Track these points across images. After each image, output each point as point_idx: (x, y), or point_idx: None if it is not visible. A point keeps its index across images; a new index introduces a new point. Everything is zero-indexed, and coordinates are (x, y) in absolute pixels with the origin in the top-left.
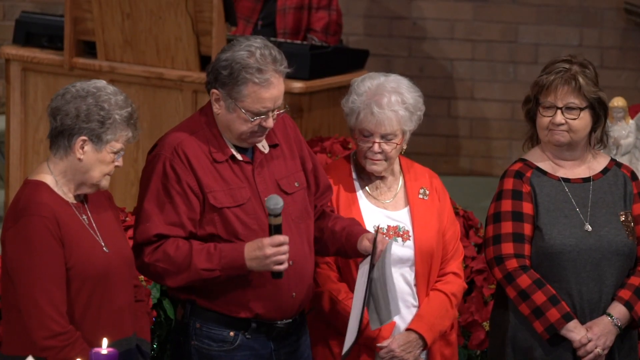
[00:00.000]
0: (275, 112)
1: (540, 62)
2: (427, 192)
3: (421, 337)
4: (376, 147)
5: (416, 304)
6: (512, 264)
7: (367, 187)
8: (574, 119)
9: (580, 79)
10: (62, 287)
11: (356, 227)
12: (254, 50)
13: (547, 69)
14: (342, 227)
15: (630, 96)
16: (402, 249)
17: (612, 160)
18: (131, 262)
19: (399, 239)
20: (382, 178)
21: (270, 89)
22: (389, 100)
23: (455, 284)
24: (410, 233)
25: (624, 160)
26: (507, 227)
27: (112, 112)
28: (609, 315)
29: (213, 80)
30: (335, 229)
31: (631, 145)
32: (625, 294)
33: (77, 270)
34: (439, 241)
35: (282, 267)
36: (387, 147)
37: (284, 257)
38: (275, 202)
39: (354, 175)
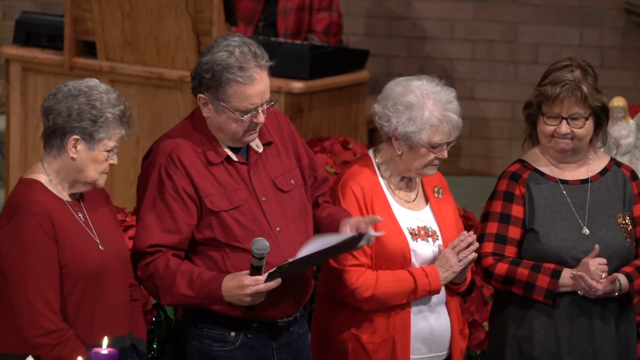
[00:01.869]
0: (265, 107)
1: (540, 62)
2: (441, 190)
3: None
4: (445, 154)
5: (444, 301)
6: (488, 261)
7: (392, 188)
8: (579, 127)
9: (585, 89)
10: (56, 285)
11: (341, 213)
12: (233, 49)
13: (550, 78)
14: (329, 213)
15: (630, 96)
16: (433, 249)
17: (612, 160)
18: (127, 260)
19: (430, 240)
20: (403, 178)
21: (255, 84)
22: (455, 103)
23: None
24: (438, 233)
25: (624, 160)
26: (492, 227)
27: (104, 111)
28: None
29: (198, 85)
30: (321, 216)
31: (631, 145)
32: (627, 268)
33: (71, 267)
34: None
35: (257, 301)
36: (446, 153)
37: (262, 297)
38: (260, 246)
39: (379, 176)
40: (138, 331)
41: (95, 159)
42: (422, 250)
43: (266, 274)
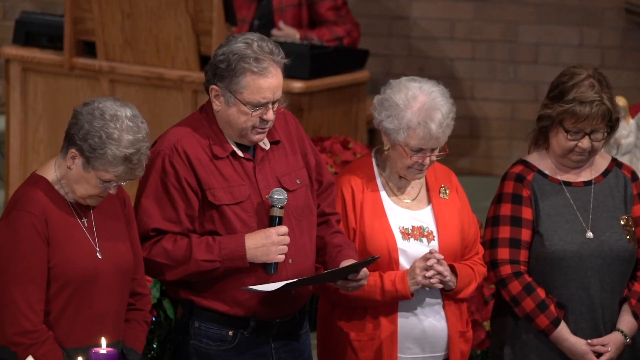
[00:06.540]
0: (276, 105)
1: (540, 61)
2: (448, 191)
3: (453, 268)
4: (427, 161)
5: (440, 302)
6: (506, 270)
7: (390, 187)
8: (599, 141)
9: (609, 104)
10: (41, 286)
11: (349, 250)
12: (251, 42)
13: (574, 95)
14: (339, 244)
15: (631, 96)
16: (427, 250)
17: (613, 161)
18: (127, 271)
19: (424, 239)
20: (402, 177)
21: (269, 77)
22: (442, 115)
23: (480, 266)
24: (434, 233)
25: (624, 159)
26: (504, 231)
27: (107, 146)
28: (620, 332)
29: (212, 76)
30: (332, 241)
31: (632, 144)
32: (630, 303)
33: (59, 270)
34: (462, 241)
35: (282, 257)
36: (434, 159)
37: (286, 248)
38: (281, 194)
39: (377, 174)
40: (132, 341)
41: (87, 181)
42: (414, 250)
43: (284, 227)
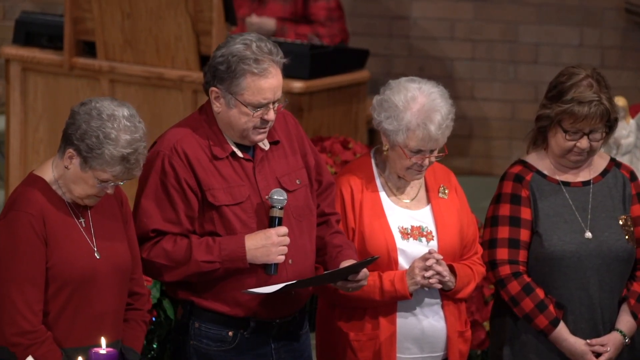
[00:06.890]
0: (276, 105)
1: (540, 61)
2: (447, 191)
3: (452, 268)
4: (427, 162)
5: (439, 302)
6: (505, 270)
7: (390, 187)
8: (597, 140)
9: (607, 105)
10: (39, 286)
11: (349, 250)
12: (250, 42)
13: (572, 95)
14: (339, 244)
15: (631, 96)
16: (426, 249)
17: (612, 161)
18: (125, 270)
19: (423, 239)
20: (401, 177)
21: (269, 78)
22: (441, 116)
23: (479, 266)
24: (434, 233)
25: (624, 159)
26: (503, 232)
27: (105, 145)
28: (619, 332)
29: (211, 78)
30: (332, 242)
31: (631, 145)
32: (629, 303)
33: (57, 270)
34: (461, 240)
35: (282, 258)
36: (433, 159)
37: (285, 248)
38: (281, 194)
39: (376, 174)
40: (131, 340)
41: (85, 181)
42: (413, 250)
43: (284, 228)
